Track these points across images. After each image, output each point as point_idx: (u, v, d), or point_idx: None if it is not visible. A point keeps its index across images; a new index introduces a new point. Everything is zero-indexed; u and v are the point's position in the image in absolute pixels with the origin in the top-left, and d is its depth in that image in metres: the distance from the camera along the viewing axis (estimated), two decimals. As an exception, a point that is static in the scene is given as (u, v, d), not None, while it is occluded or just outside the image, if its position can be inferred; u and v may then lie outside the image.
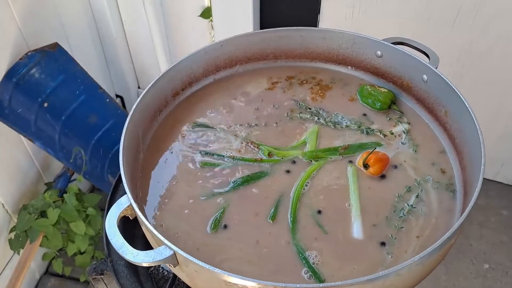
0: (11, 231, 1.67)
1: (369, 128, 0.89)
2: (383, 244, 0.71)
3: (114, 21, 1.97)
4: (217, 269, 0.56)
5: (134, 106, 0.78)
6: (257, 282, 0.55)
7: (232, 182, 0.81)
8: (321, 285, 0.57)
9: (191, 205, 0.78)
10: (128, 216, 0.67)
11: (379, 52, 0.92)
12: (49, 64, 1.65)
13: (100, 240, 1.90)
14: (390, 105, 0.92)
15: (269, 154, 0.85)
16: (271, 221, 0.75)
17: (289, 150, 0.86)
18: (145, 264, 0.59)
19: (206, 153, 0.87)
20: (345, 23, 1.82)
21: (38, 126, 1.66)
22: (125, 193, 0.66)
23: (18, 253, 1.67)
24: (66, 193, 1.70)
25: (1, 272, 1.69)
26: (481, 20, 1.63)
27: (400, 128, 0.89)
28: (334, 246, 0.71)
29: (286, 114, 0.94)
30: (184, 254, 0.58)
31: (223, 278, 0.57)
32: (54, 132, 1.71)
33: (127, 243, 0.60)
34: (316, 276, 0.67)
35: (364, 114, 0.93)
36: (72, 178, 1.86)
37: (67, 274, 1.85)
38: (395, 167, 0.83)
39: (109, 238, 0.61)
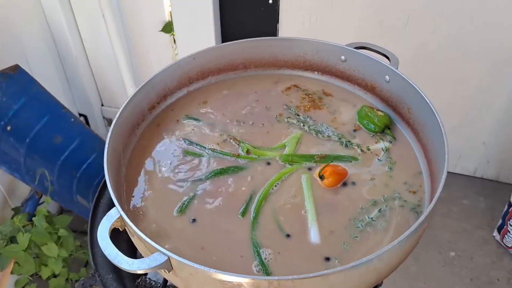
0: (-21, 260, 1.62)
1: (349, 141, 0.92)
2: (327, 259, 0.72)
3: (74, 39, 1.96)
4: (213, 269, 0.59)
5: (113, 122, 0.80)
6: (250, 278, 0.59)
7: (207, 173, 0.86)
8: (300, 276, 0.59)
9: (166, 194, 0.83)
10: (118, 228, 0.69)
11: (343, 57, 0.98)
12: (10, 87, 1.62)
13: (74, 262, 1.87)
14: (384, 129, 0.93)
15: (247, 152, 0.89)
16: (241, 217, 0.79)
17: (266, 151, 0.90)
18: (140, 272, 0.61)
19: (190, 143, 0.92)
20: (304, 31, 1.88)
21: (2, 150, 1.63)
22: (107, 210, 0.68)
23: (-12, 282, 1.63)
24: (35, 216, 1.67)
25: (-29, 304, 1.63)
26: (430, 21, 1.74)
27: (380, 145, 0.91)
28: (289, 247, 0.74)
29: (275, 117, 0.98)
30: (179, 258, 0.60)
31: (218, 278, 0.60)
32: (19, 155, 1.68)
33: (121, 253, 0.62)
34: (264, 270, 0.70)
35: (354, 130, 0.95)
36: (41, 201, 1.83)
37: (41, 299, 1.80)
38: (353, 183, 0.84)
39: (103, 250, 0.62)
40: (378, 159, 0.88)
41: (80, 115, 2.25)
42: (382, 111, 0.95)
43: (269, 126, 0.96)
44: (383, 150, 0.90)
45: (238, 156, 0.89)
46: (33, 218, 1.66)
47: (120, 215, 0.66)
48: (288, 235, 0.76)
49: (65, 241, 1.73)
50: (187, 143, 0.92)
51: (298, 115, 0.98)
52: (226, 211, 0.80)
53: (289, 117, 0.97)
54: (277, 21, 1.93)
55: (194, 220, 0.78)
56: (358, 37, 1.57)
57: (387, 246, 0.61)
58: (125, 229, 0.71)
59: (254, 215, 0.79)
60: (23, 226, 1.65)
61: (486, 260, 2.00)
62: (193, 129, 0.95)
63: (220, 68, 1.02)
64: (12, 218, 1.69)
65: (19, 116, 1.65)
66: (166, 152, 0.91)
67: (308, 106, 0.99)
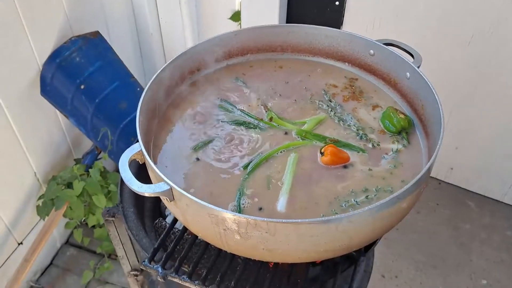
0: (39, 198, 1.83)
1: (366, 134, 0.97)
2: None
3: (152, 18, 2.15)
4: (203, 202, 0.69)
5: (154, 76, 0.93)
6: (232, 214, 0.68)
7: (228, 122, 0.99)
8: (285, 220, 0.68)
9: (189, 136, 0.96)
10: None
11: (371, 51, 1.04)
12: (89, 50, 1.82)
13: (118, 217, 2.05)
14: (401, 131, 0.96)
15: (270, 119, 1.00)
16: (242, 169, 0.89)
17: (287, 122, 0.99)
18: (147, 194, 0.73)
19: (226, 102, 1.05)
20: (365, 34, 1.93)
21: (74, 105, 1.82)
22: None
23: (44, 219, 1.83)
24: (91, 168, 1.85)
25: (26, 236, 1.84)
26: (494, 41, 1.72)
27: (392, 146, 0.95)
28: (264, 204, 0.83)
29: (309, 97, 1.07)
30: (178, 189, 0.71)
31: (206, 211, 0.70)
32: (87, 112, 1.87)
33: (134, 178, 0.74)
34: (238, 210, 0.81)
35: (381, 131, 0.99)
36: (99, 157, 2.02)
37: (85, 244, 1.99)
38: (352, 168, 0.89)
39: (121, 173, 0.75)
40: (384, 156, 0.92)
41: (148, 88, 2.43)
42: (404, 115, 0.98)
43: (301, 104, 1.05)
44: (392, 151, 0.94)
45: (261, 120, 0.99)
46: (90, 170, 1.85)
47: (141, 149, 0.78)
48: (260, 208, 0.83)
49: (113, 196, 1.89)
50: (222, 101, 1.04)
51: (331, 101, 1.05)
52: (231, 159, 0.91)
53: (321, 101, 1.05)
54: (341, 23, 1.99)
55: (198, 159, 0.90)
56: (418, 49, 1.61)
57: (357, 210, 0.67)
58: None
59: (250, 169, 0.89)
60: (80, 175, 1.84)
61: (518, 294, 1.94)
62: (235, 91, 1.07)
63: (259, 48, 1.12)
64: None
65: (92, 78, 1.83)
66: (201, 106, 1.03)
67: (347, 97, 1.06)
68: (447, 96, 1.89)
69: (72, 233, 2.08)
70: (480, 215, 2.19)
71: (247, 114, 1.01)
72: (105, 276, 1.96)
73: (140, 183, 0.73)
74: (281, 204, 0.82)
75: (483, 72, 1.82)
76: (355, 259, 0.89)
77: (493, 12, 1.65)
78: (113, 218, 0.96)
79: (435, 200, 2.22)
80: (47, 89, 1.74)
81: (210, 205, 0.68)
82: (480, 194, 2.24)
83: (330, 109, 1.03)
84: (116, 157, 2.02)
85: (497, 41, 1.71)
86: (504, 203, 2.22)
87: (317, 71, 1.12)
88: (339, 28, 2.00)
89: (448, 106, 1.93)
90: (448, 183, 2.28)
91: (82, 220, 1.91)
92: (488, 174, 2.14)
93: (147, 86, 0.89)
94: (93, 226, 1.94)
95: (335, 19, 1.98)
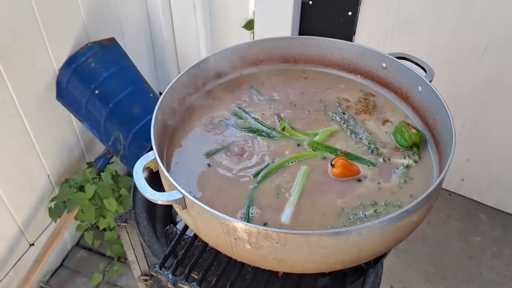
0: (51, 200, 1.86)
1: (377, 148, 0.97)
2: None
3: (166, 25, 2.17)
4: (215, 211, 0.70)
5: (169, 86, 0.94)
6: (244, 224, 0.69)
7: (241, 129, 1.01)
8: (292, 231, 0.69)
9: (202, 142, 0.97)
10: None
11: (384, 64, 1.05)
12: (104, 56, 1.84)
13: (129, 221, 2.07)
14: (412, 146, 0.96)
15: (283, 129, 1.01)
16: (252, 177, 0.90)
17: (299, 133, 1.01)
18: (159, 202, 0.74)
19: (240, 109, 1.06)
20: (378, 45, 1.94)
21: (88, 109, 1.85)
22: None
23: (55, 221, 1.85)
24: (103, 172, 1.88)
25: (38, 237, 1.87)
26: (509, 51, 1.71)
27: (403, 161, 0.95)
28: (271, 214, 0.84)
29: (323, 109, 1.08)
30: (191, 198, 0.72)
31: (218, 220, 0.71)
32: (100, 117, 1.89)
33: (148, 185, 0.76)
34: (247, 219, 0.82)
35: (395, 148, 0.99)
36: (111, 161, 2.04)
37: (96, 246, 2.02)
38: (361, 181, 0.90)
39: (135, 180, 0.76)
40: (394, 171, 0.93)
41: (160, 93, 2.46)
42: (416, 130, 0.98)
43: (314, 115, 1.06)
44: (403, 166, 0.94)
45: (274, 129, 1.00)
46: (102, 174, 1.87)
47: (155, 157, 0.80)
48: (265, 223, 0.83)
49: (124, 200, 1.92)
50: (238, 108, 1.06)
51: (344, 114, 1.06)
52: (242, 167, 0.92)
53: (335, 113, 1.06)
54: (353, 33, 2.00)
55: (209, 165, 0.91)
56: (432, 60, 1.61)
57: (367, 223, 0.68)
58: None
59: (261, 178, 0.90)
60: (92, 178, 1.86)
61: (528, 308, 1.92)
62: (250, 99, 1.08)
63: (272, 59, 1.13)
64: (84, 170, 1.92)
65: (107, 83, 1.85)
66: (215, 114, 1.05)
67: (360, 110, 1.07)
68: (460, 107, 1.89)
69: (82, 235, 2.10)
70: (491, 228, 2.18)
71: (260, 123, 1.03)
72: (114, 279, 1.98)
73: (154, 191, 0.75)
74: (286, 215, 0.83)
75: (496, 82, 1.81)
76: (364, 271, 0.90)
77: (507, 21, 1.64)
78: (125, 224, 0.98)
79: (445, 212, 2.22)
80: (63, 93, 1.77)
81: (221, 214, 0.70)
82: (491, 207, 2.23)
83: (343, 122, 1.03)
84: (128, 161, 2.04)
85: (511, 51, 1.71)
86: (517, 216, 2.21)
87: (340, 87, 1.13)
88: (352, 38, 2.01)
89: (461, 117, 1.93)
90: (459, 194, 2.27)
91: (93, 223, 1.93)
92: (500, 187, 2.13)
93: (161, 97, 0.90)
94: (104, 229, 1.96)
95: (348, 28, 1.99)
